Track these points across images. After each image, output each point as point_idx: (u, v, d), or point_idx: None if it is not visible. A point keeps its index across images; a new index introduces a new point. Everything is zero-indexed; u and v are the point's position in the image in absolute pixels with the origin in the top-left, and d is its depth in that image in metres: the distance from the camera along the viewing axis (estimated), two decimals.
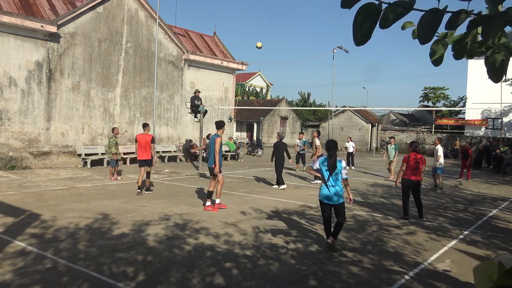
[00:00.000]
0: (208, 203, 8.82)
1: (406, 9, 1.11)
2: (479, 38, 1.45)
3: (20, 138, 15.10)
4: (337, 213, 6.29)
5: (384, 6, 1.13)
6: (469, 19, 1.22)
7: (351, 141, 20.70)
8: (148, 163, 10.85)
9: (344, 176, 6.38)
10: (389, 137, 17.43)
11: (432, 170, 13.57)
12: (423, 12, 1.15)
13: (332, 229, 6.38)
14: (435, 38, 1.46)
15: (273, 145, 13.45)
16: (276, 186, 12.62)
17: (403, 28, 1.52)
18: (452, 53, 1.52)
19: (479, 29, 1.41)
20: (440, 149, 13.51)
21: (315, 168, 6.46)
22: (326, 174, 6.32)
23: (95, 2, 16.90)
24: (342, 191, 6.29)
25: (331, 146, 6.39)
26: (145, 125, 11.12)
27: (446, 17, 1.21)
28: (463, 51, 1.48)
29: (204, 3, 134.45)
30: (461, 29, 1.35)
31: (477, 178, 18.34)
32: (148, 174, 10.90)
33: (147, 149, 10.68)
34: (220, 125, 8.94)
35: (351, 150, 20.24)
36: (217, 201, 8.92)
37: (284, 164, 13.01)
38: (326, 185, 6.29)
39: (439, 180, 13.28)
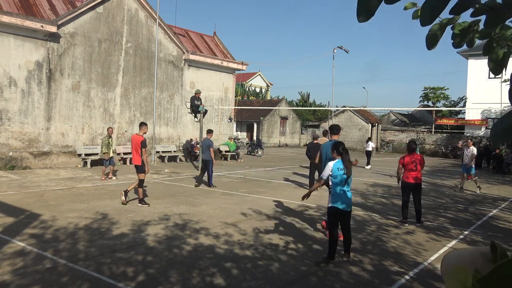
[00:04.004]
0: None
1: None
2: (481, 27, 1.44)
3: (20, 138, 15.10)
4: (342, 226, 5.79)
5: None
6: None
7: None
8: (137, 168, 9.24)
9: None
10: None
11: (465, 170, 13.47)
12: None
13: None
14: (437, 20, 1.45)
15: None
16: None
17: (405, 8, 1.50)
18: (452, 41, 1.50)
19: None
20: (475, 150, 13.59)
21: (324, 178, 5.97)
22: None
23: (95, 2, 16.89)
24: (347, 199, 5.75)
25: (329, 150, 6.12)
26: (140, 125, 9.47)
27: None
28: (463, 39, 1.46)
29: (204, 3, 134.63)
30: (464, 16, 1.34)
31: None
32: (140, 182, 9.16)
33: (137, 152, 9.11)
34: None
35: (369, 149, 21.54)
36: None
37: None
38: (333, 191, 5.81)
39: (474, 179, 13.51)
